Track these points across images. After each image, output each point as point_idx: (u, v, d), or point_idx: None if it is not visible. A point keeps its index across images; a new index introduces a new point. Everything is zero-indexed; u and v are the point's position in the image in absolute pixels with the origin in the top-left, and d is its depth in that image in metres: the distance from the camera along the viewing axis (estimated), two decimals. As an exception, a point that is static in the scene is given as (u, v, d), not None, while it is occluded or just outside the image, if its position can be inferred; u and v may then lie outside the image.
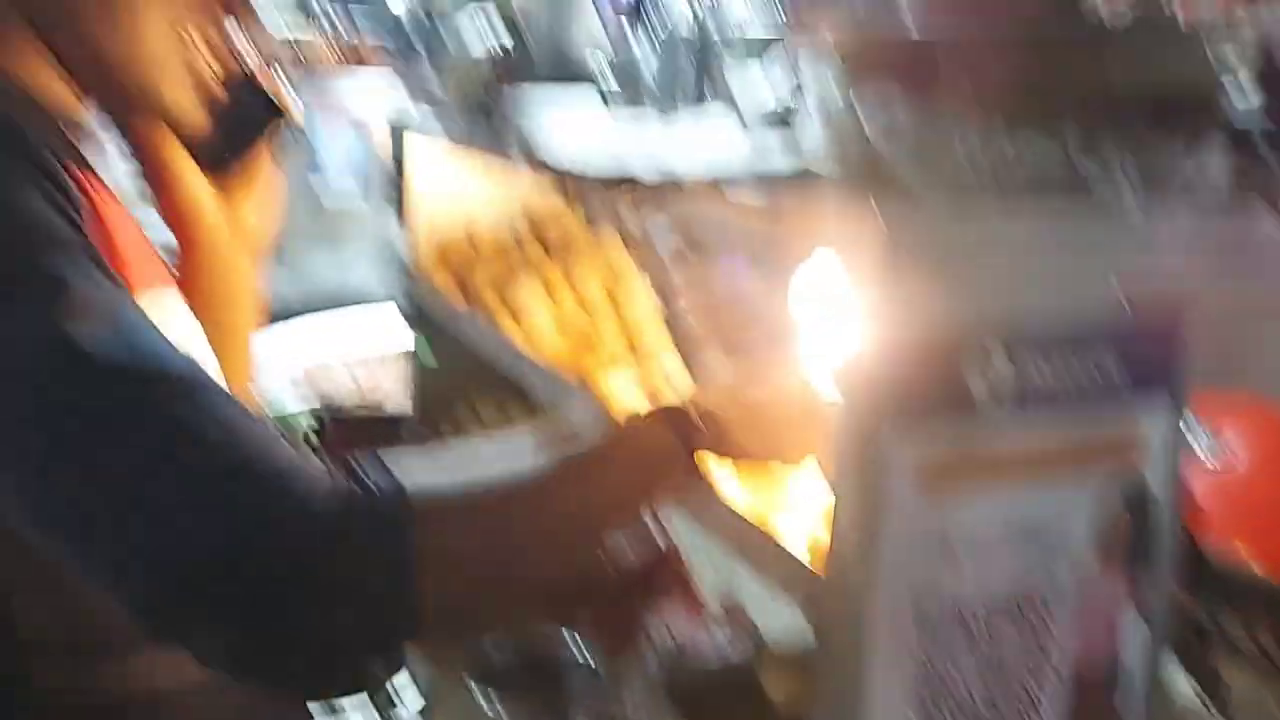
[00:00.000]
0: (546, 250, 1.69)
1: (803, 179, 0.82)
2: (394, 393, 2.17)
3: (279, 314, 2.73)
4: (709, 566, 1.62)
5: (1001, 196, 0.74)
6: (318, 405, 2.12)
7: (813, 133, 0.88)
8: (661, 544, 1.70)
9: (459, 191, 1.84)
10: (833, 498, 0.75)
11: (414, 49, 3.41)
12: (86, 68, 0.76)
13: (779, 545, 0.83)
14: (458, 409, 1.91)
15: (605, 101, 1.33)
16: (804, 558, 0.82)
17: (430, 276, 1.75)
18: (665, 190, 0.85)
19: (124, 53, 0.75)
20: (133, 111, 0.85)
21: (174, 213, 0.94)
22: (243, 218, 0.97)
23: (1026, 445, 0.75)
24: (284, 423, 2.40)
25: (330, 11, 4.16)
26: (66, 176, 0.67)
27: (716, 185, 0.84)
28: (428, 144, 1.76)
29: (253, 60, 0.93)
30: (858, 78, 0.81)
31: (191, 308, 0.89)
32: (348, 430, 2.05)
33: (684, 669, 1.18)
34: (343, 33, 3.02)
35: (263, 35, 0.96)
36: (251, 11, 0.84)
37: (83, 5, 0.74)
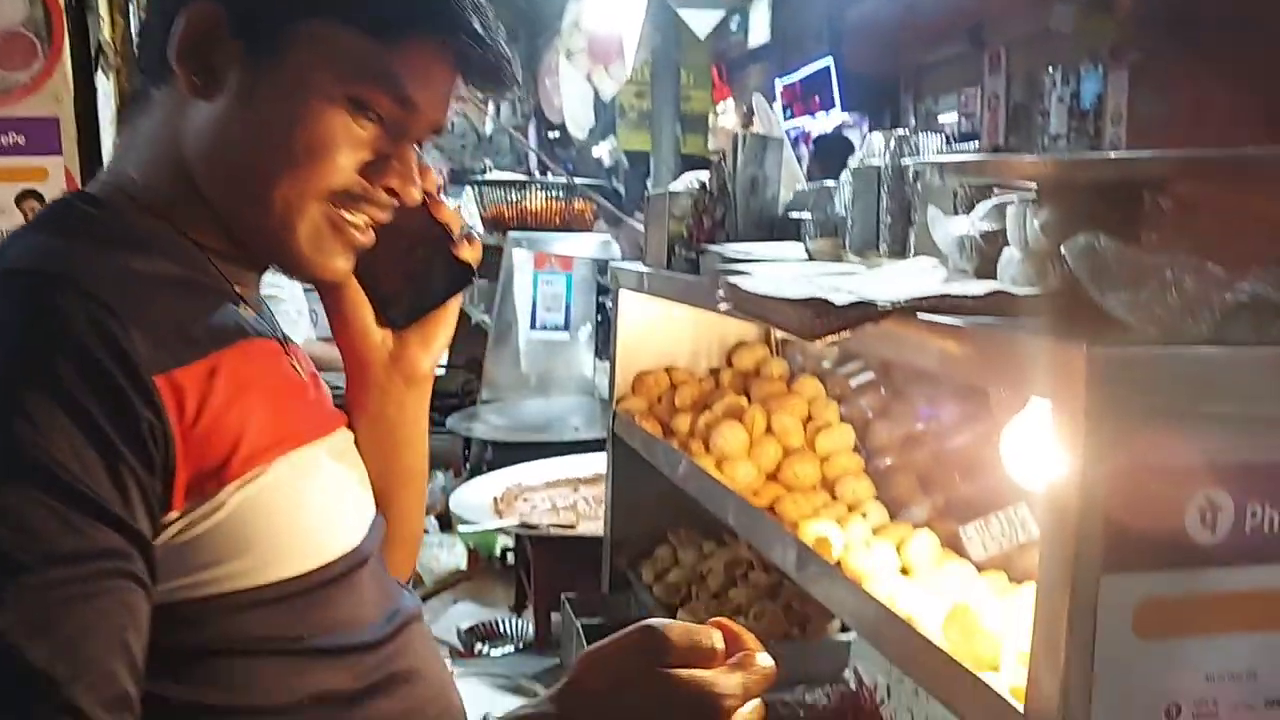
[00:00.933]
0: (747, 395, 1.73)
1: (1006, 312, 0.82)
2: (588, 514, 2.24)
3: (486, 442, 2.90)
4: (909, 716, 1.56)
5: (1221, 337, 0.73)
6: (515, 524, 2.20)
7: (1018, 276, 0.90)
8: (861, 695, 1.66)
9: (663, 336, 1.92)
10: (1042, 645, 0.73)
11: (624, 208, 3.64)
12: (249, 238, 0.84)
13: (989, 690, 0.80)
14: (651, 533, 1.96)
15: (810, 256, 1.38)
16: (1015, 708, 0.79)
17: (631, 412, 1.82)
18: (861, 315, 0.86)
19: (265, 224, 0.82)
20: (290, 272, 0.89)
21: (348, 354, 0.99)
22: (418, 363, 0.99)
23: (1253, 593, 0.71)
24: (482, 539, 2.50)
25: (545, 167, 4.47)
26: (128, 388, 0.70)
27: (913, 311, 0.86)
28: (635, 294, 1.86)
29: (451, 227, 0.97)
30: (1065, 222, 0.82)
31: (360, 443, 0.97)
32: (543, 548, 2.12)
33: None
34: (558, 192, 3.24)
35: (451, 208, 1.00)
36: (441, 186, 0.93)
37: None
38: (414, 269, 0.98)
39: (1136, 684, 0.71)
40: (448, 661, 1.01)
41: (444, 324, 1.01)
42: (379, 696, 0.84)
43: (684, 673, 0.72)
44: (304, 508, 0.81)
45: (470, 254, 0.98)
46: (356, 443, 0.98)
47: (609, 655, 0.74)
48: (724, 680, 0.72)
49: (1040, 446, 0.76)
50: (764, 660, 0.74)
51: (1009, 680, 0.86)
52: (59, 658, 0.65)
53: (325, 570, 0.82)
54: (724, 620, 0.77)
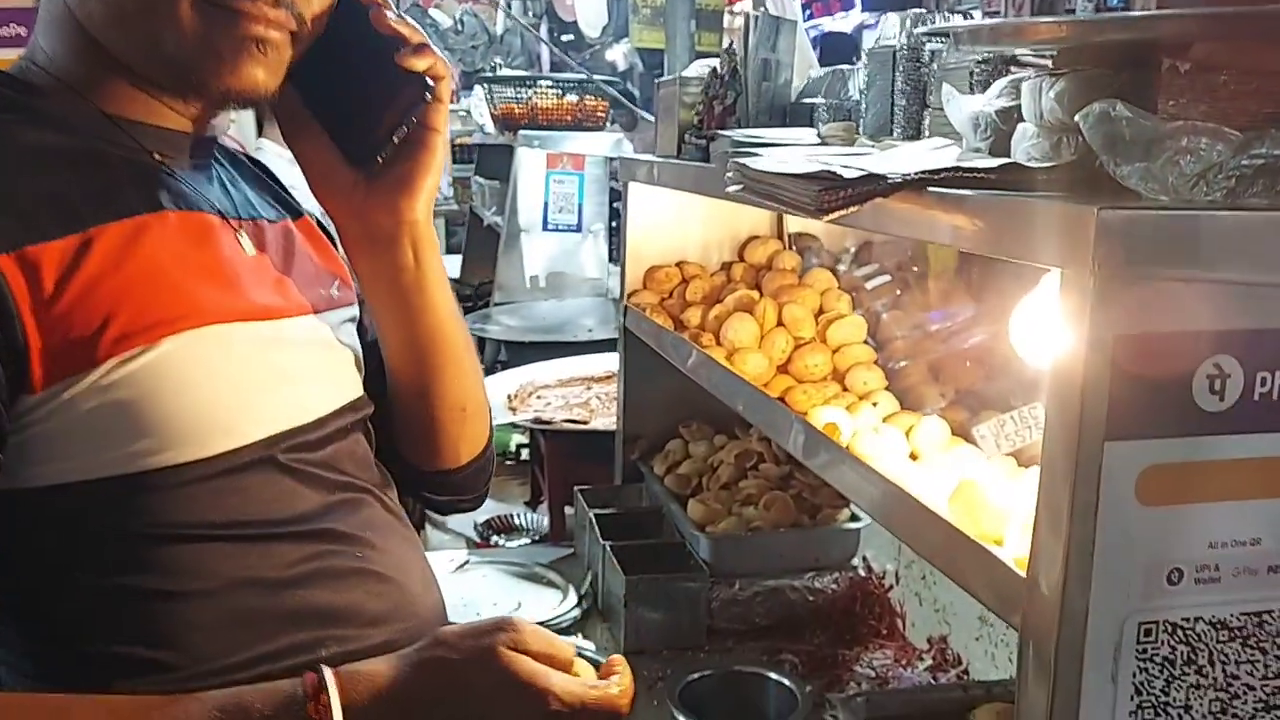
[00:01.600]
0: (759, 289, 1.73)
1: (1018, 186, 0.81)
2: (601, 411, 2.26)
3: (500, 343, 2.92)
4: (919, 603, 1.59)
5: (1236, 202, 0.71)
6: (529, 419, 2.23)
7: (1033, 151, 0.88)
8: (870, 581, 1.69)
9: (674, 230, 1.91)
10: (1045, 512, 0.73)
11: (634, 98, 3.57)
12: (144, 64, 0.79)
13: (993, 558, 0.81)
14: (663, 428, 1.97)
15: (822, 141, 1.36)
16: (1018, 575, 0.80)
17: (642, 306, 1.81)
18: (870, 188, 0.85)
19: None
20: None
21: (330, 212, 0.93)
22: (403, 210, 0.91)
23: (1260, 461, 0.71)
24: (496, 436, 2.53)
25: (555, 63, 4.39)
26: None
27: (924, 185, 0.84)
28: (645, 187, 1.84)
29: (403, 37, 0.86)
30: (1081, 93, 0.80)
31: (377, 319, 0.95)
32: (556, 443, 2.15)
33: (886, 701, 1.16)
34: (569, 89, 3.19)
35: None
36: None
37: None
38: (368, 96, 0.89)
39: (1138, 550, 0.71)
40: (450, 558, 1.00)
41: (422, 160, 0.91)
42: (308, 587, 0.82)
43: (524, 658, 0.77)
44: (207, 388, 0.78)
45: (423, 64, 0.88)
46: (371, 307, 0.96)
47: (465, 629, 0.79)
48: (558, 679, 0.76)
49: (1049, 324, 0.75)
50: (616, 690, 0.79)
51: (1013, 553, 0.87)
52: None
53: (234, 455, 0.79)
54: (617, 658, 0.84)
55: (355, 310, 1.02)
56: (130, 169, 0.81)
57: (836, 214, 0.87)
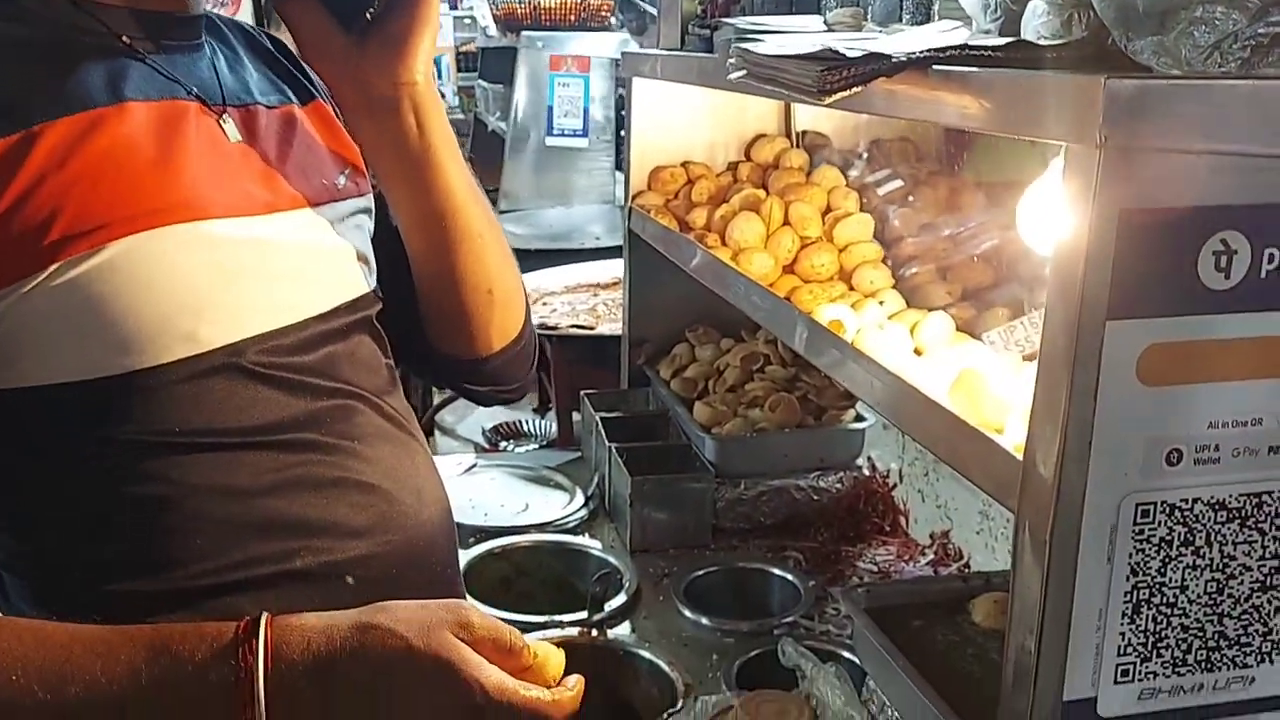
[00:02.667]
0: (765, 189, 1.70)
1: (1026, 64, 0.78)
2: (607, 317, 2.25)
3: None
4: (921, 499, 1.60)
5: (1250, 73, 0.69)
6: (535, 327, 2.22)
7: (1043, 29, 0.85)
8: (874, 479, 1.70)
9: (679, 129, 1.88)
10: (1044, 392, 0.73)
11: (647, 13, 3.49)
12: None
13: (991, 443, 0.81)
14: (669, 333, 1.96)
15: (829, 27, 1.32)
16: (1015, 458, 0.80)
17: (647, 207, 1.79)
18: (874, 68, 0.83)
19: None
20: None
21: (326, 81, 0.91)
22: (399, 72, 0.88)
23: (1265, 340, 0.70)
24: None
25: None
26: None
27: (930, 64, 0.82)
28: (650, 85, 1.80)
29: None
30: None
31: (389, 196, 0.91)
32: (563, 349, 2.15)
33: (888, 593, 1.18)
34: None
35: None
36: None
37: None
38: None
39: (1138, 430, 0.71)
40: (458, 462, 0.97)
41: (415, 16, 0.88)
42: (284, 496, 0.80)
43: (462, 645, 0.72)
44: (160, 292, 0.75)
45: None
46: (387, 198, 0.93)
47: (416, 605, 0.74)
48: (492, 673, 0.72)
49: (1055, 204, 0.74)
50: (550, 699, 0.74)
51: (1013, 440, 0.86)
52: None
53: (194, 362, 0.77)
54: (575, 679, 0.78)
55: (369, 201, 0.97)
56: (95, 59, 0.77)
57: (839, 95, 0.85)
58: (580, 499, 1.80)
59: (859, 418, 1.77)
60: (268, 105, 0.91)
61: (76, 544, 0.77)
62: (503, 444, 2.26)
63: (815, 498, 1.70)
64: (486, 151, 3.45)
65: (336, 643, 0.71)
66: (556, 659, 0.79)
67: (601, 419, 1.84)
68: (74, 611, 0.73)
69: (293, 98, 0.95)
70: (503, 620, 0.78)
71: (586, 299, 2.41)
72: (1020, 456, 0.76)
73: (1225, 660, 0.77)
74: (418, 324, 1.02)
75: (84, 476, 0.76)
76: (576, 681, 0.79)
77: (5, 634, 0.69)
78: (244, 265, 0.80)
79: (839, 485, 1.71)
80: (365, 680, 0.71)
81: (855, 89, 0.85)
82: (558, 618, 1.43)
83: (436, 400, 2.41)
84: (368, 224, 0.98)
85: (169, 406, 0.76)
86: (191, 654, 0.69)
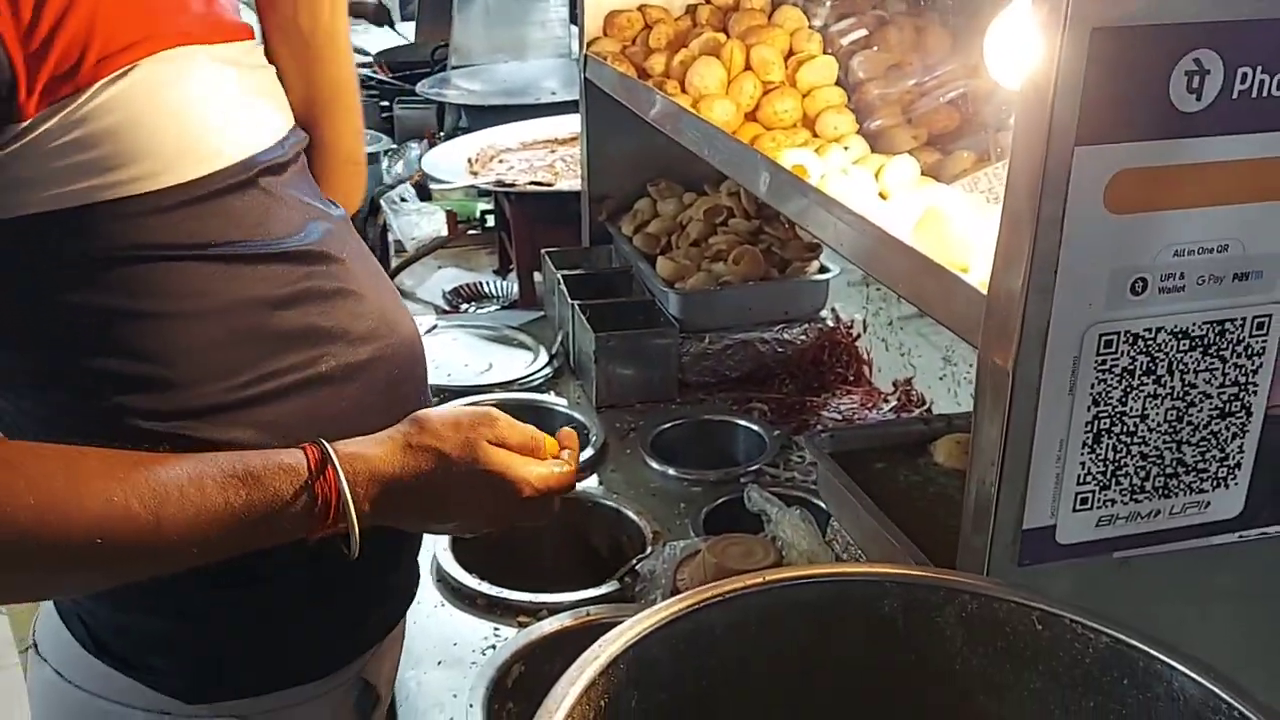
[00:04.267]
0: (725, 30, 1.64)
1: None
2: (566, 174, 2.20)
3: (459, 108, 2.81)
4: (885, 349, 1.61)
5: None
6: (491, 182, 2.17)
7: None
8: (839, 330, 1.70)
9: (636, -28, 1.80)
10: (1010, 222, 0.71)
11: None
12: None
13: (955, 279, 0.80)
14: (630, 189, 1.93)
15: None
16: (980, 293, 0.79)
17: (603, 54, 1.73)
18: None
19: None
20: None
21: None
22: None
23: (1235, 163, 0.69)
24: (460, 205, 2.49)
25: None
26: None
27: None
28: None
29: None
30: None
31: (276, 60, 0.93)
32: (521, 207, 2.11)
33: (851, 438, 1.19)
34: None
35: None
36: None
37: None
38: None
39: (1104, 259, 0.70)
40: (419, 322, 1.00)
41: None
42: (300, 306, 0.84)
43: (501, 452, 0.83)
44: (184, 110, 0.78)
45: None
46: (273, 59, 0.94)
47: (448, 419, 0.83)
48: (533, 469, 0.85)
49: (1025, 31, 0.71)
50: (570, 467, 0.89)
51: (979, 278, 0.86)
52: None
53: (219, 177, 0.80)
54: (568, 432, 0.93)
55: None
56: None
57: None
58: (544, 357, 1.80)
59: (823, 269, 1.76)
60: None
61: (98, 355, 0.78)
62: (463, 306, 2.23)
63: (780, 350, 1.70)
64: (435, 7, 3.31)
65: (398, 465, 0.79)
66: (552, 440, 0.91)
67: (563, 277, 1.82)
68: (111, 438, 0.74)
69: None
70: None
71: (544, 155, 2.35)
72: (985, 292, 0.75)
73: (1182, 486, 0.78)
74: None
75: (119, 295, 0.77)
76: (573, 441, 0.93)
77: (92, 456, 0.71)
78: (240, 86, 0.84)
79: (803, 337, 1.71)
80: (426, 495, 0.81)
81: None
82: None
83: (394, 265, 2.37)
84: None
85: (194, 222, 0.79)
86: (273, 483, 0.75)
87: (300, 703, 0.91)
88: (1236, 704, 0.58)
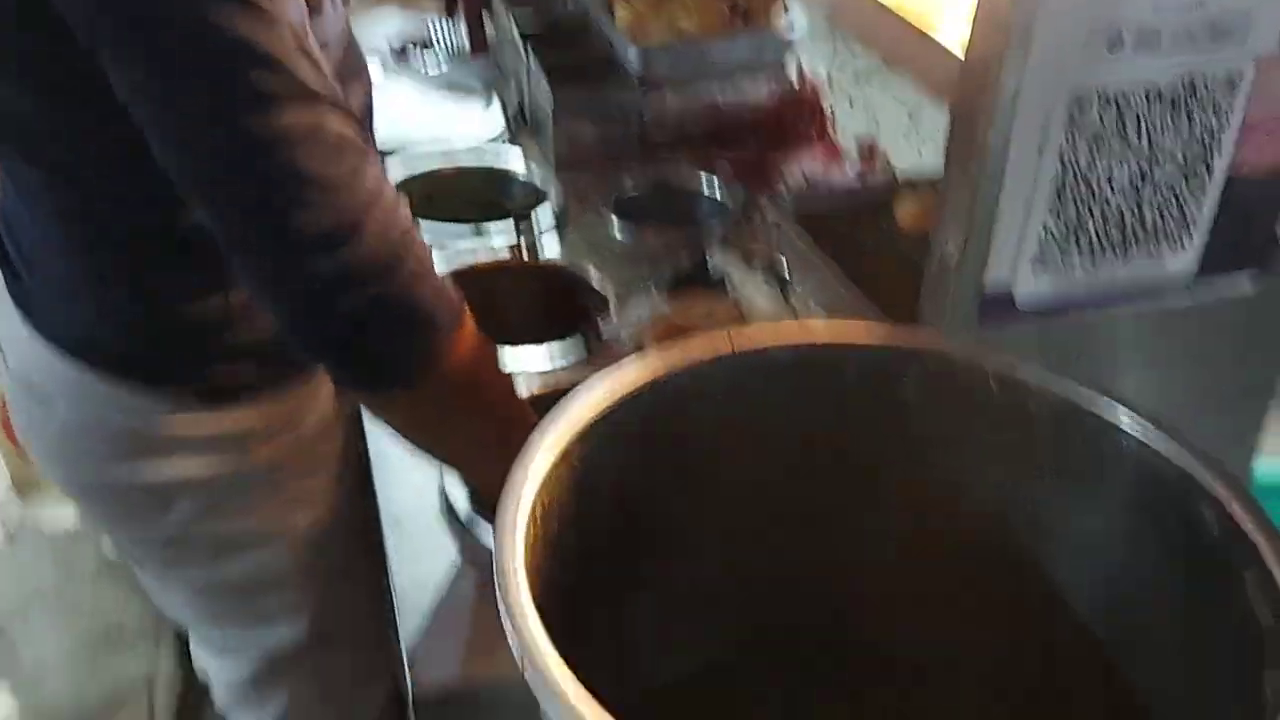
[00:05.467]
0: None
1: None
2: None
3: None
4: (849, 105, 1.58)
5: None
6: None
7: None
8: (803, 87, 1.66)
9: None
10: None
11: None
12: None
13: (926, 38, 0.77)
14: None
15: None
16: (955, 53, 0.77)
17: None
18: None
19: None
20: None
21: None
22: None
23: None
24: None
25: None
26: None
27: None
28: None
29: None
30: None
31: None
32: None
33: (814, 199, 1.18)
34: None
35: None
36: None
37: None
38: None
39: (1080, 16, 0.68)
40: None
41: None
42: None
43: None
44: None
45: None
46: None
47: None
48: None
49: None
50: None
51: (955, 38, 0.83)
52: None
53: None
54: None
55: None
56: None
57: None
58: (498, 113, 1.74)
59: (789, 26, 1.69)
60: None
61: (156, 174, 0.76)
62: (409, 48, 2.11)
63: (743, 105, 1.66)
64: None
65: None
66: None
67: (518, 25, 1.74)
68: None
69: None
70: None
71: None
72: (959, 53, 0.73)
73: (1142, 247, 0.80)
74: None
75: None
76: None
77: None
78: None
79: (767, 90, 1.66)
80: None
81: None
82: (486, 225, 1.43)
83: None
84: None
85: None
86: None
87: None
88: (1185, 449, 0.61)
